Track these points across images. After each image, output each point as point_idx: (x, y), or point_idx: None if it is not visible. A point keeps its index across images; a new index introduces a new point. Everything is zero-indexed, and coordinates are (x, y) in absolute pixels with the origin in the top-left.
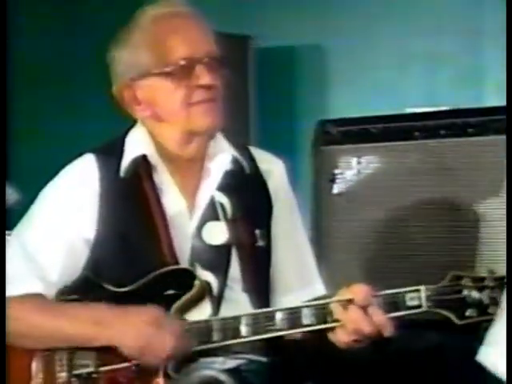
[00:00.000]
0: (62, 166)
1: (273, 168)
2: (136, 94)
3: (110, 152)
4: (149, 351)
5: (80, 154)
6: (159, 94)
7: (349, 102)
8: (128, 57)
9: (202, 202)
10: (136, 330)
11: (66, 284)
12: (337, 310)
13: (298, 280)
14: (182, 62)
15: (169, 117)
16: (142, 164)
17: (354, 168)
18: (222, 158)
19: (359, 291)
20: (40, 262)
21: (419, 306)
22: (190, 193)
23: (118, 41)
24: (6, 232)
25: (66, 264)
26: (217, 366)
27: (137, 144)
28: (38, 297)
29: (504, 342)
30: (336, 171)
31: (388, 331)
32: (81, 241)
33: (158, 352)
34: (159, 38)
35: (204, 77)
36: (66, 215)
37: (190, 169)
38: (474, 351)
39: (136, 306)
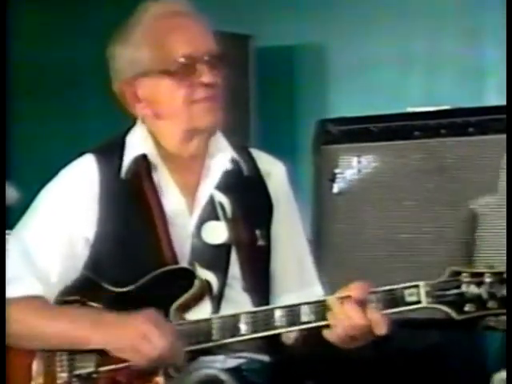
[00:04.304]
0: (62, 166)
1: (273, 169)
2: (137, 92)
3: (110, 152)
4: (140, 350)
5: (80, 154)
6: (160, 92)
7: (349, 101)
8: (129, 54)
9: (202, 200)
10: (131, 331)
11: (66, 284)
12: (333, 306)
13: (297, 281)
14: (183, 60)
15: (170, 115)
16: (142, 163)
17: (354, 167)
18: (221, 156)
19: (356, 287)
20: (39, 263)
21: (418, 302)
22: (190, 191)
23: (118, 37)
24: (6, 231)
25: (65, 265)
26: (217, 364)
27: (137, 144)
28: (37, 299)
29: None
30: (336, 170)
31: (384, 328)
32: (80, 241)
33: (150, 352)
34: (160, 36)
35: (205, 75)
36: (66, 215)
37: (189, 167)
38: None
39: (134, 311)
